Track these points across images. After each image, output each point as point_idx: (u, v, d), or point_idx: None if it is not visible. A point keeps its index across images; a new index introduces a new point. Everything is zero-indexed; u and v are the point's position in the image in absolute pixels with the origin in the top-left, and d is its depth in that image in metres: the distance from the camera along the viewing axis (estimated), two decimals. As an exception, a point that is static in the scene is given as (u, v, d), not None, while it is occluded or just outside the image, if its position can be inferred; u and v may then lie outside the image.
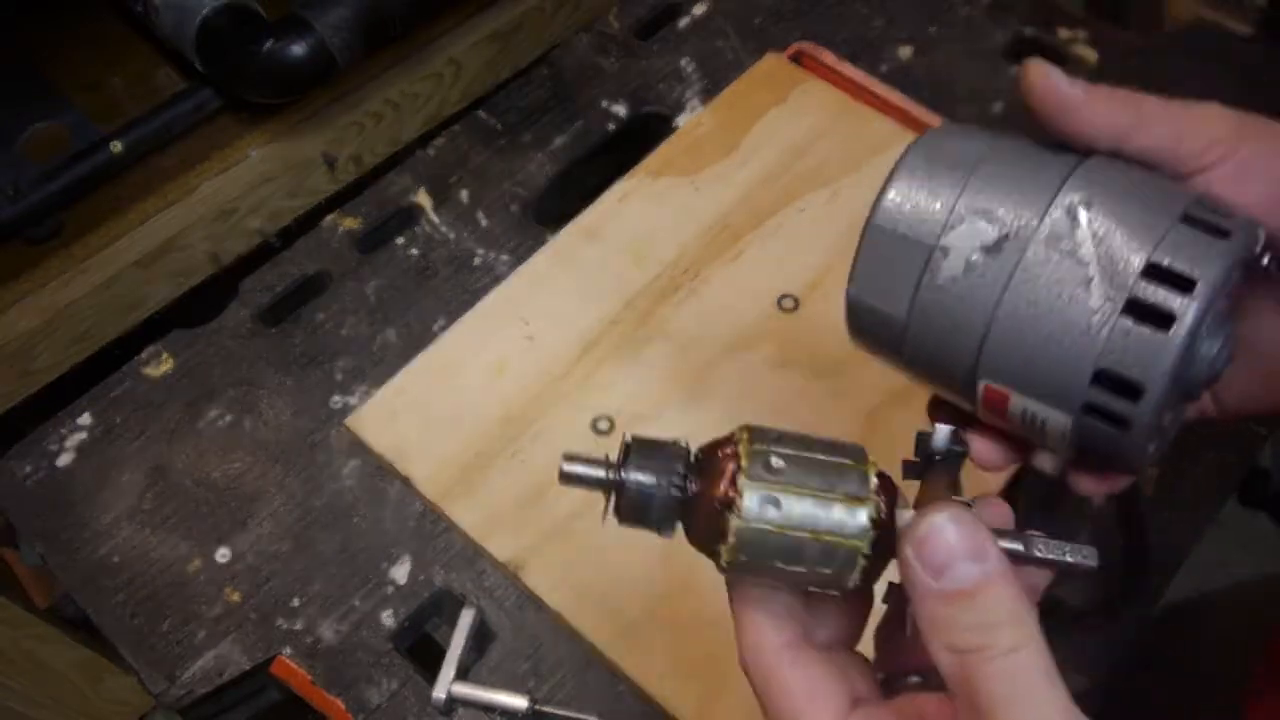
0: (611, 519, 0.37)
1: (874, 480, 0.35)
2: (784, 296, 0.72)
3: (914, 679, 0.37)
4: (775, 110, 0.80)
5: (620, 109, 0.83)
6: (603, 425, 0.66)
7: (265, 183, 0.80)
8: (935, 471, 0.36)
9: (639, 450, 0.36)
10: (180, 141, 0.79)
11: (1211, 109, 0.40)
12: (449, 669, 0.59)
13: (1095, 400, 0.36)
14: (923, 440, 0.37)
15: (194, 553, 0.65)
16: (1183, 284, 0.35)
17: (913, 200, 0.39)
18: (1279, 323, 0.42)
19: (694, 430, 0.65)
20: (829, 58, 0.84)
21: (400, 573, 0.64)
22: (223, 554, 0.65)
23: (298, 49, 0.75)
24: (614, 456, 0.37)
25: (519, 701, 0.58)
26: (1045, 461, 0.42)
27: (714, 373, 0.68)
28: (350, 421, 0.68)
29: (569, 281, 0.73)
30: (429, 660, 0.61)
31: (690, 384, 0.68)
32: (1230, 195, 0.38)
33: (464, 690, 0.59)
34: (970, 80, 0.84)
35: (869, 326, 0.41)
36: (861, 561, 0.34)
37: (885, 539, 0.34)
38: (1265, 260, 0.38)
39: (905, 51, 0.86)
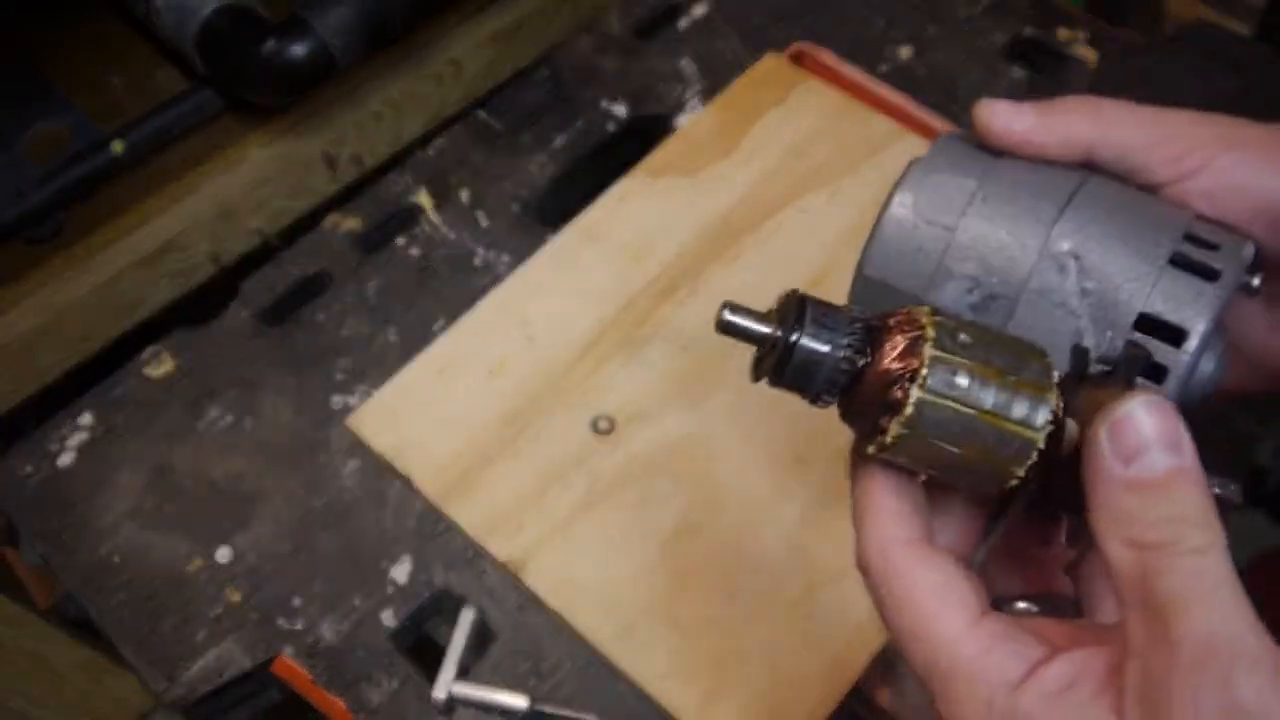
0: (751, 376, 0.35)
1: (1056, 374, 0.33)
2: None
3: (1023, 605, 0.35)
4: (775, 110, 0.80)
5: (620, 109, 0.83)
6: (603, 425, 0.67)
7: (266, 183, 0.80)
8: (1098, 383, 0.34)
9: (814, 311, 0.33)
10: (181, 142, 0.79)
11: (1184, 115, 0.40)
12: (449, 669, 0.59)
13: None
14: (1080, 354, 0.35)
15: (194, 552, 0.65)
16: (1174, 334, 0.35)
17: (900, 251, 0.39)
18: (1259, 317, 0.42)
19: (694, 430, 0.66)
20: (829, 58, 0.84)
21: (400, 572, 0.64)
22: (223, 554, 0.65)
23: (298, 49, 0.75)
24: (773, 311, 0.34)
25: (519, 701, 0.59)
26: None
27: (714, 373, 0.68)
28: (350, 421, 0.68)
29: (569, 281, 0.73)
30: (429, 660, 0.61)
31: (690, 384, 0.68)
32: (1210, 208, 0.38)
33: (464, 690, 0.59)
34: (970, 80, 0.84)
35: None
36: (1034, 456, 0.32)
37: (1056, 437, 0.32)
38: (1255, 281, 0.38)
39: (905, 51, 0.86)
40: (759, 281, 0.72)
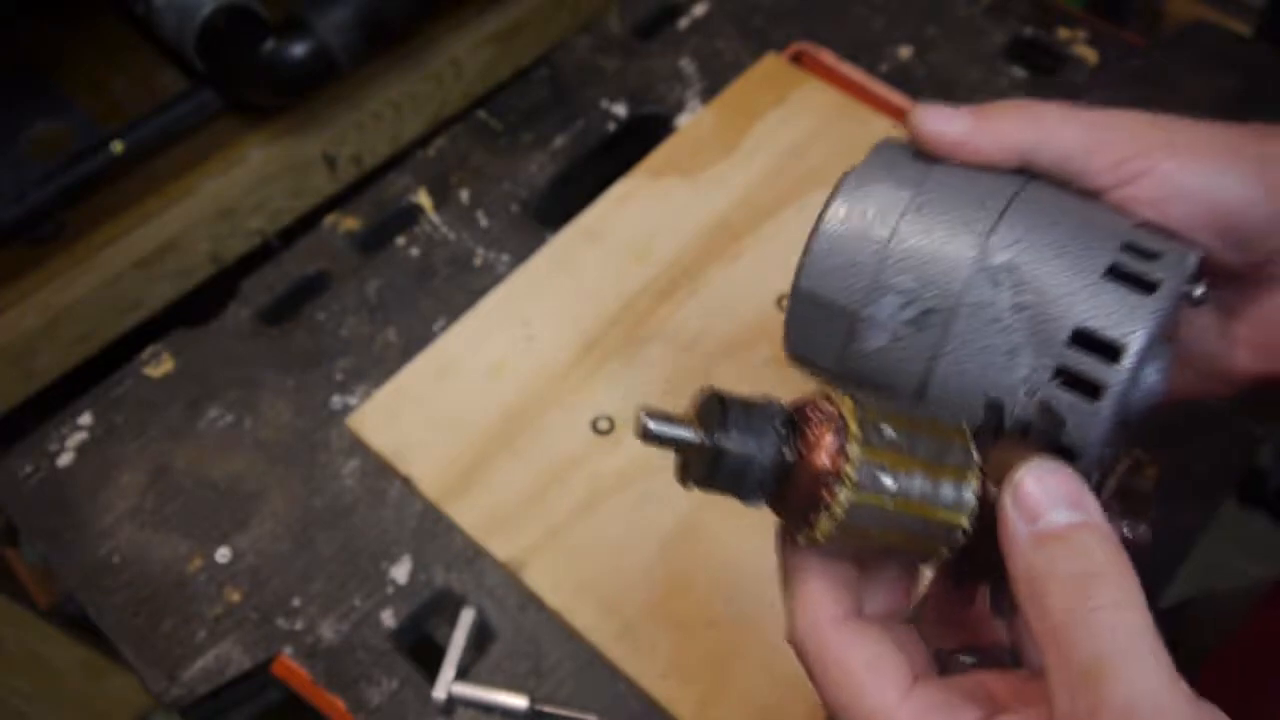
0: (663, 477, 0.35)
1: (975, 454, 0.33)
2: (784, 296, 0.72)
3: (967, 658, 0.35)
4: (775, 110, 0.80)
5: (620, 109, 0.84)
6: (603, 425, 0.67)
7: (266, 183, 0.80)
8: (1010, 441, 0.34)
9: (735, 411, 0.33)
10: (181, 142, 0.79)
11: (1125, 118, 0.38)
12: (449, 669, 0.59)
13: None
14: (994, 410, 0.35)
15: (194, 552, 0.65)
16: (1109, 350, 0.34)
17: (834, 265, 0.38)
18: (1210, 323, 0.41)
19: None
20: (828, 58, 0.84)
21: (400, 572, 0.64)
22: (223, 554, 0.65)
23: (298, 49, 0.75)
24: (688, 412, 0.34)
25: (519, 701, 0.59)
26: None
27: (714, 373, 0.68)
28: (351, 421, 0.68)
29: (569, 281, 0.73)
30: (429, 660, 0.61)
31: (690, 384, 0.68)
32: (1154, 214, 0.37)
33: (464, 690, 0.59)
34: (970, 80, 0.84)
35: (812, 372, 0.41)
36: (960, 536, 0.32)
37: (980, 512, 0.32)
38: (1198, 291, 0.37)
39: (905, 51, 0.86)
40: (759, 281, 0.72)
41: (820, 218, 0.39)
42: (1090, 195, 0.38)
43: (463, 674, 0.59)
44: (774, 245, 0.74)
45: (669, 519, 0.63)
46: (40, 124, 0.77)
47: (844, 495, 0.32)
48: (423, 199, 0.79)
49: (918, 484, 0.32)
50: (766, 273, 0.72)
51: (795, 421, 0.33)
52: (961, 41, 0.86)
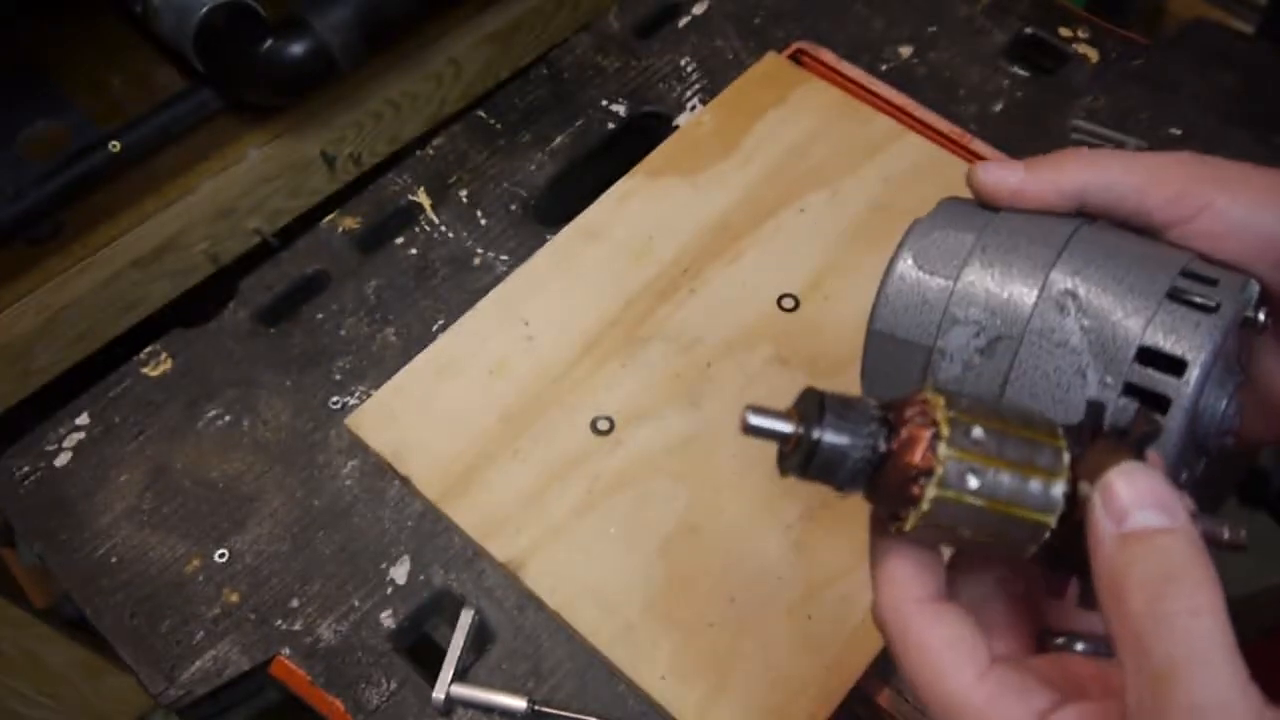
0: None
1: (1067, 455, 0.34)
2: (784, 296, 0.71)
3: (1061, 640, 0.36)
4: (775, 110, 0.80)
5: (620, 109, 0.83)
6: (603, 425, 0.66)
7: (265, 182, 0.80)
8: (1107, 443, 0.35)
9: (833, 407, 0.35)
10: (180, 141, 0.79)
11: (1178, 158, 0.40)
12: (449, 669, 0.59)
13: None
14: (1094, 410, 0.36)
15: (193, 553, 0.65)
16: (1175, 365, 0.36)
17: (906, 305, 0.41)
18: (1275, 363, 0.43)
19: (694, 430, 0.66)
20: (829, 57, 0.84)
21: (400, 573, 0.64)
22: (221, 554, 0.64)
23: (297, 49, 0.75)
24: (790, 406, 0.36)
25: (518, 702, 0.58)
26: None
27: (714, 373, 0.68)
28: (350, 421, 0.67)
29: (569, 281, 0.73)
30: (429, 660, 0.61)
31: (690, 384, 0.68)
32: (1213, 249, 0.39)
33: (464, 691, 0.59)
34: (970, 80, 0.84)
35: None
36: (1046, 536, 0.34)
37: (1071, 511, 0.33)
38: (1261, 316, 0.39)
39: (905, 51, 0.86)
40: (759, 281, 0.72)
41: (891, 262, 0.42)
42: (1147, 234, 0.40)
43: (462, 675, 0.59)
44: (774, 245, 0.74)
45: (669, 519, 0.63)
46: (38, 123, 0.77)
47: (931, 492, 0.33)
48: (422, 198, 0.79)
49: (1005, 483, 0.33)
50: (766, 273, 0.72)
51: (890, 419, 0.34)
52: (962, 40, 0.86)
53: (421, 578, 0.63)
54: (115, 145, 0.75)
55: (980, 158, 0.78)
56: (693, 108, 0.83)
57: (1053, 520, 0.33)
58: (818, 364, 0.68)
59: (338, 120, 0.82)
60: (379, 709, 0.59)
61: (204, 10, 0.74)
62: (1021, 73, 0.84)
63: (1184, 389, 0.36)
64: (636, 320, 0.71)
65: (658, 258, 0.73)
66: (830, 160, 0.77)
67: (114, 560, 0.64)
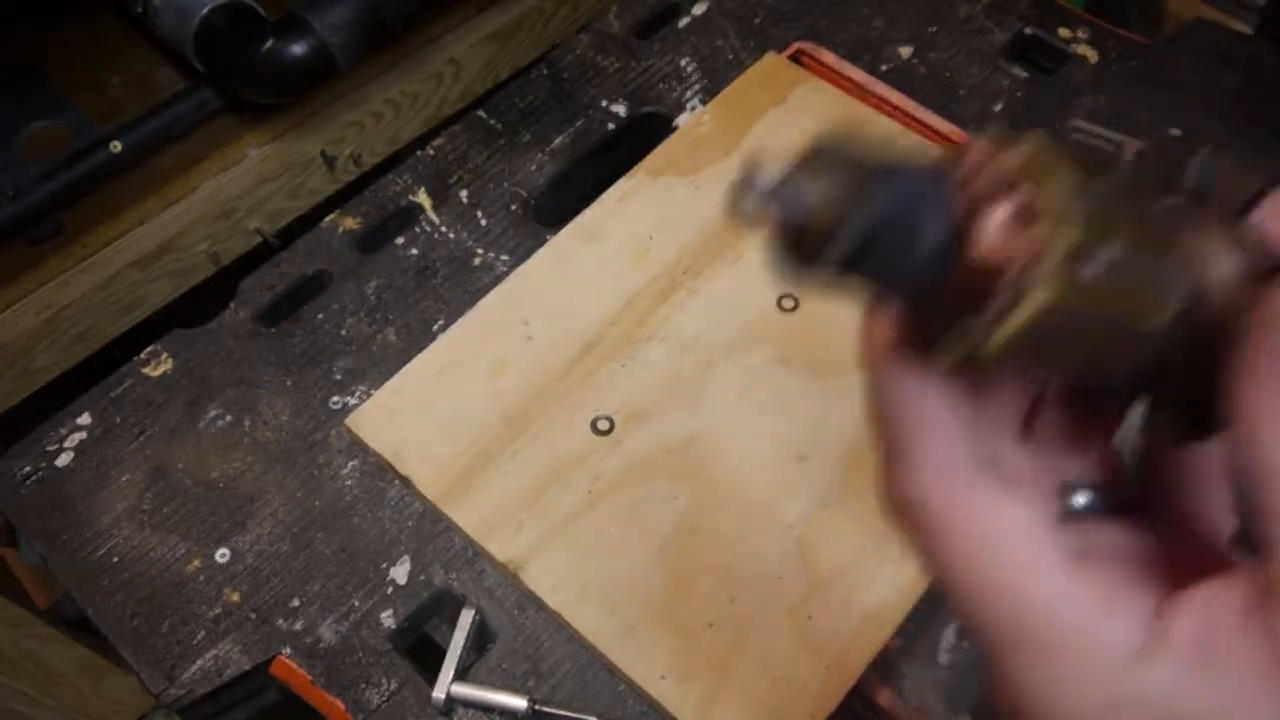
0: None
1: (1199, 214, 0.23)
2: (784, 296, 0.71)
3: (1083, 499, 0.27)
4: (775, 110, 0.80)
5: (620, 109, 0.83)
6: (603, 425, 0.66)
7: (265, 183, 0.80)
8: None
9: (877, 170, 0.22)
10: (180, 141, 0.79)
11: None
12: (449, 669, 0.59)
13: None
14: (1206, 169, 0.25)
15: (193, 553, 0.65)
16: None
17: None
18: None
19: (694, 430, 0.66)
20: (829, 57, 0.84)
21: (400, 573, 0.64)
22: (222, 554, 0.65)
23: (297, 49, 0.75)
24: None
25: (519, 702, 0.58)
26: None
27: (714, 373, 0.68)
28: (350, 421, 0.68)
29: (569, 281, 0.73)
30: (429, 660, 0.61)
31: (690, 384, 0.68)
32: None
33: (464, 690, 0.59)
34: (970, 80, 0.84)
35: None
36: (1166, 335, 0.23)
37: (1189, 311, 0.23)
38: None
39: (905, 51, 0.86)
40: (759, 281, 0.72)
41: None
42: None
43: (462, 675, 0.59)
44: (774, 245, 0.74)
45: (669, 519, 0.63)
46: (38, 123, 0.77)
47: (1042, 292, 0.21)
48: (422, 199, 0.79)
49: (1135, 271, 0.22)
50: (766, 273, 0.72)
51: (962, 181, 0.23)
52: (962, 40, 0.86)
53: (422, 578, 0.63)
54: (115, 145, 0.75)
55: (980, 158, 0.78)
56: (693, 108, 0.83)
57: (1172, 326, 0.23)
58: (818, 364, 0.68)
59: (338, 120, 0.82)
60: (379, 709, 0.60)
61: (204, 10, 0.74)
62: (1021, 73, 0.84)
63: None
64: (636, 320, 0.71)
65: (658, 258, 0.73)
66: (830, 160, 0.77)
67: (115, 560, 0.64)
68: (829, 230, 0.22)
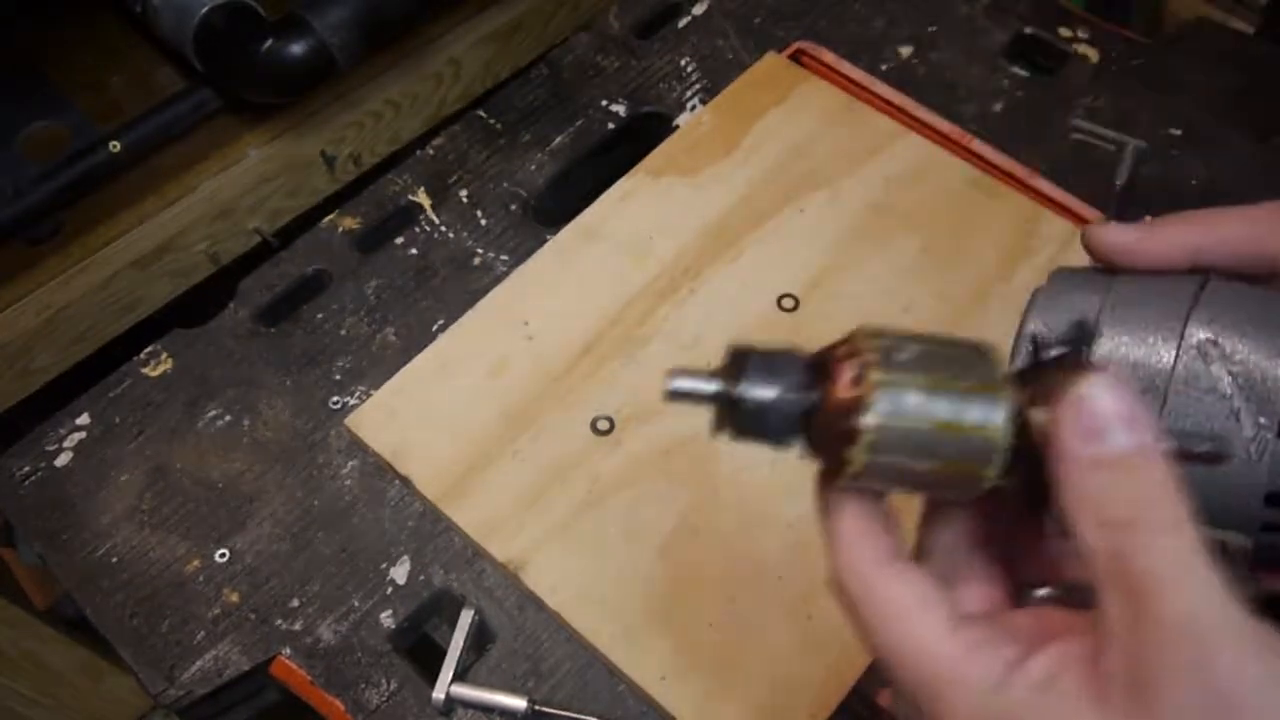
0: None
1: (1001, 368, 0.33)
2: (784, 296, 0.71)
3: (1042, 592, 0.36)
4: (775, 110, 0.80)
5: (620, 109, 0.83)
6: (602, 425, 0.66)
7: (265, 182, 0.80)
8: (1050, 370, 0.34)
9: (758, 360, 0.34)
10: (180, 141, 0.79)
11: None
12: (449, 669, 0.59)
13: (1273, 519, 0.36)
14: (1032, 342, 0.36)
15: (193, 553, 0.65)
16: None
17: None
18: None
19: (694, 430, 0.66)
20: (829, 57, 0.84)
21: (400, 573, 0.64)
22: (222, 554, 0.64)
23: (297, 49, 0.75)
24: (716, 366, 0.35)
25: (518, 702, 0.58)
26: None
27: (714, 373, 0.68)
28: (350, 421, 0.67)
29: (569, 281, 0.72)
30: (429, 660, 0.61)
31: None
32: None
33: (463, 691, 0.59)
34: (970, 80, 0.84)
35: None
36: (998, 455, 0.32)
37: (1023, 433, 0.32)
38: None
39: (905, 51, 0.86)
40: (759, 281, 0.72)
41: (1020, 328, 0.40)
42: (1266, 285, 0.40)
43: (462, 675, 0.59)
44: (774, 245, 0.74)
45: (669, 519, 0.63)
46: (37, 123, 0.77)
47: (868, 422, 0.31)
48: (422, 199, 0.79)
49: (944, 403, 0.32)
50: (766, 273, 0.72)
51: (820, 363, 0.33)
52: (962, 40, 0.86)
53: (421, 578, 0.63)
54: (115, 145, 0.75)
55: (980, 158, 0.78)
56: (693, 108, 0.83)
57: (1001, 438, 0.32)
58: (818, 364, 0.68)
59: (338, 120, 0.82)
60: (379, 709, 0.59)
61: (204, 10, 0.74)
62: (1021, 73, 0.84)
63: None
64: (636, 320, 0.71)
65: (658, 258, 0.73)
66: (830, 160, 0.77)
67: (114, 560, 0.64)
68: (718, 413, 0.34)
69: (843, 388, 0.32)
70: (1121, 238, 0.40)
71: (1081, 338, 0.35)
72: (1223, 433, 0.36)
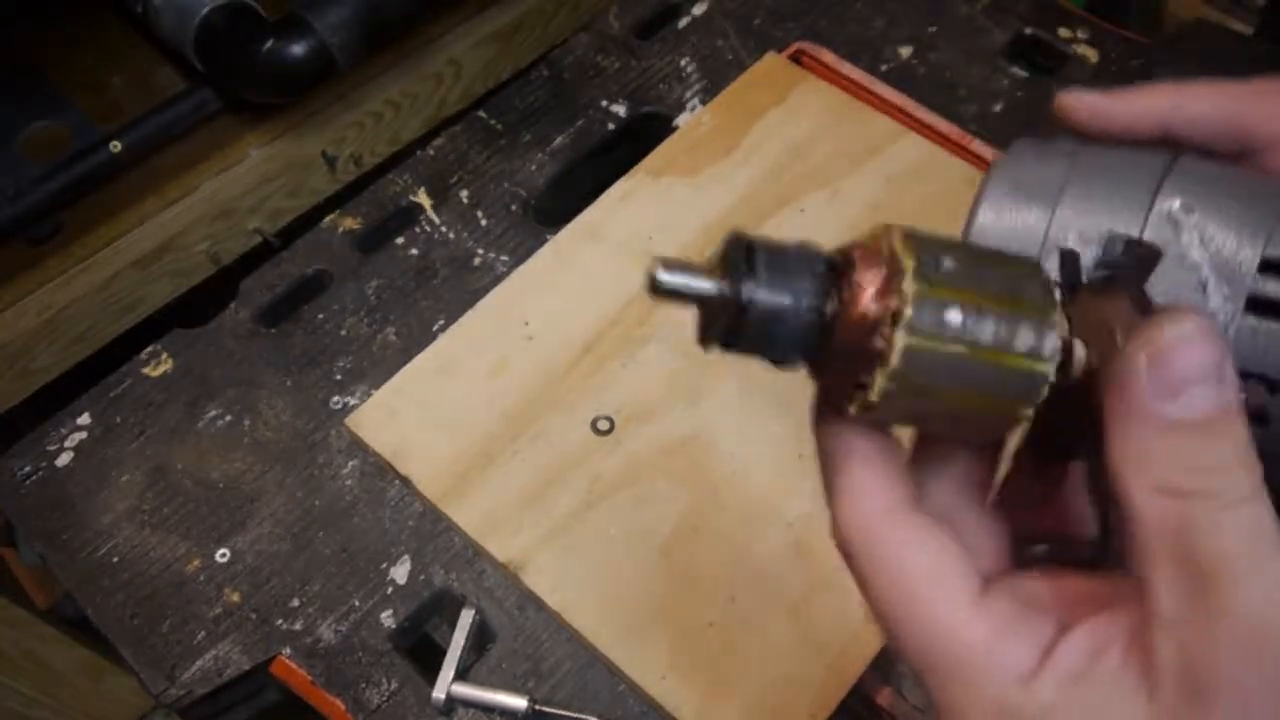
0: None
1: (1058, 291, 0.28)
2: (784, 296, 0.71)
3: (1041, 548, 0.31)
4: (775, 110, 0.80)
5: (620, 109, 0.83)
6: (603, 425, 0.66)
7: (265, 183, 0.80)
8: (1094, 294, 0.29)
9: (764, 255, 0.27)
10: (180, 141, 0.79)
11: (1264, 82, 0.38)
12: (449, 669, 0.59)
13: None
14: (1070, 260, 0.31)
15: (193, 553, 0.65)
16: None
17: (1006, 226, 0.36)
18: None
19: (694, 430, 0.66)
20: (829, 57, 0.84)
21: (400, 573, 0.64)
22: (222, 554, 0.65)
23: (298, 49, 0.75)
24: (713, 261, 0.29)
25: (519, 701, 0.58)
26: None
27: (714, 373, 0.68)
28: (350, 421, 0.68)
29: (569, 281, 0.73)
30: (429, 660, 0.61)
31: (690, 384, 0.68)
32: None
33: (464, 690, 0.59)
34: (970, 80, 0.84)
35: None
36: (1044, 391, 0.27)
37: (1065, 366, 0.28)
38: None
39: (905, 51, 0.86)
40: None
41: (978, 198, 0.37)
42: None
43: (462, 675, 0.59)
44: (774, 245, 0.74)
45: (669, 519, 0.63)
46: (38, 123, 0.77)
47: (901, 341, 0.26)
48: (422, 199, 0.79)
49: (990, 323, 0.27)
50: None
51: (839, 265, 0.28)
52: (962, 40, 0.86)
53: (422, 578, 0.63)
54: (115, 145, 0.75)
55: (980, 158, 0.78)
56: (693, 108, 0.83)
57: (1051, 371, 0.27)
58: (818, 364, 0.68)
59: (338, 120, 0.82)
60: (379, 708, 0.60)
61: (204, 10, 0.74)
62: (1021, 73, 0.84)
63: None
64: (636, 320, 0.71)
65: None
66: (830, 160, 0.77)
67: (115, 560, 0.64)
68: (712, 318, 0.28)
69: (869, 298, 0.27)
70: (1093, 99, 0.38)
71: (1147, 259, 0.30)
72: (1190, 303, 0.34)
